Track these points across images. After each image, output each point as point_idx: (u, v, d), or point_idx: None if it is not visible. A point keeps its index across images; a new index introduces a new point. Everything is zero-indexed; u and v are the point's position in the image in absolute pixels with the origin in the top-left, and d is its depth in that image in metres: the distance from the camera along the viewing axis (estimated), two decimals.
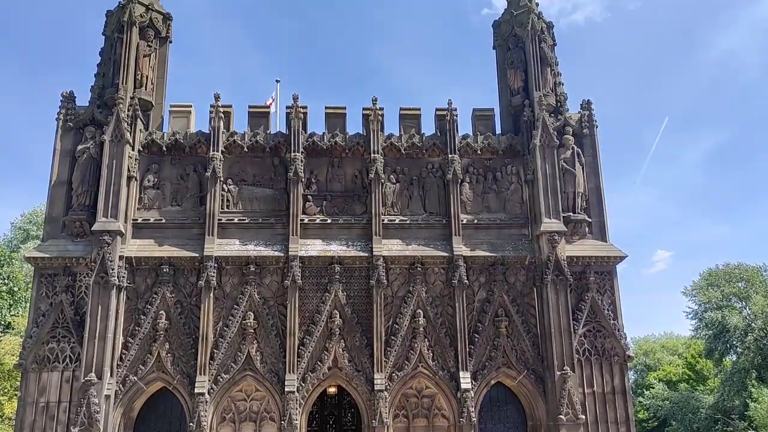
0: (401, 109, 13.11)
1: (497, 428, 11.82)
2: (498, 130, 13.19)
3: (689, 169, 67.92)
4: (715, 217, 67.99)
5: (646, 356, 49.72)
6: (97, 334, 11.08)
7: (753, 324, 36.95)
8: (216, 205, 12.11)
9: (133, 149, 12.15)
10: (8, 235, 30.37)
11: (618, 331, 11.84)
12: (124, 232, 11.72)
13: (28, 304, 21.97)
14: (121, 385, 11.17)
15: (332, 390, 17.13)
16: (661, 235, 69.43)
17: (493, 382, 11.66)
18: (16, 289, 24.88)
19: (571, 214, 12.37)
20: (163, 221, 12.18)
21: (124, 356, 11.31)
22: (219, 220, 12.13)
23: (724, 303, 39.91)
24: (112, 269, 11.32)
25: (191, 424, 10.92)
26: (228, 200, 12.39)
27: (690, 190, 67.33)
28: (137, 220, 12.14)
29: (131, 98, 12.27)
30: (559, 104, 12.92)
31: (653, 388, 41.32)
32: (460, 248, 12.05)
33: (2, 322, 23.76)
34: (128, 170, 11.96)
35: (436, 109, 13.05)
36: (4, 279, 24.81)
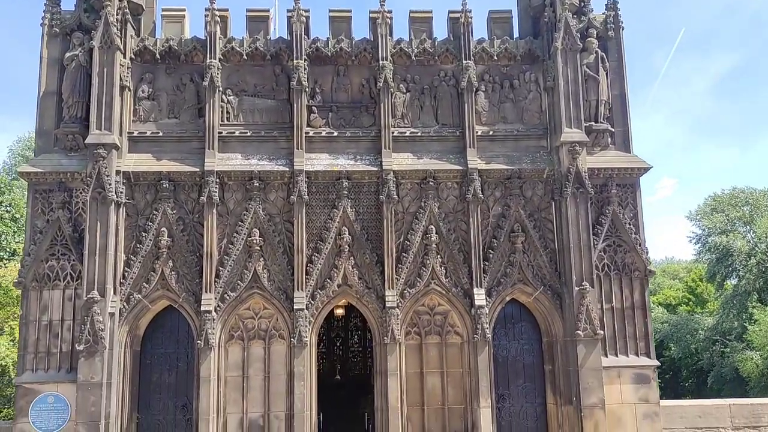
0: (411, 12, 12.16)
1: (511, 345, 11.55)
2: (516, 34, 12.27)
3: (698, 94, 66.40)
4: (722, 142, 67.01)
5: None
6: (97, 251, 10.65)
7: (756, 247, 36.86)
8: (215, 117, 11.41)
9: (124, 57, 11.35)
10: (7, 162, 29.66)
11: (639, 245, 11.38)
12: (119, 145, 11.09)
13: None
14: (125, 303, 10.83)
15: (339, 312, 16.99)
16: (667, 160, 68.65)
17: (508, 298, 11.30)
18: (18, 216, 24.46)
19: (593, 123, 11.67)
20: (161, 134, 11.51)
21: (126, 274, 10.92)
22: (219, 133, 11.46)
23: (729, 227, 39.68)
24: (109, 184, 10.76)
25: (199, 341, 10.65)
26: (228, 112, 11.67)
27: (698, 115, 66.04)
28: (133, 133, 11.47)
29: (120, 0, 11.34)
30: (582, 4, 11.95)
31: (652, 311, 41.83)
32: (475, 161, 11.43)
33: (8, 249, 23.52)
34: (120, 79, 11.20)
35: (449, 12, 12.10)
36: (6, 206, 24.36)
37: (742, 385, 31.78)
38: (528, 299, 11.33)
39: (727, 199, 40.04)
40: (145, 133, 11.50)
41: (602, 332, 10.85)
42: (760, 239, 36.66)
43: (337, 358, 18.71)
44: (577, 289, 10.85)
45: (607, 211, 11.41)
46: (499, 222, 11.41)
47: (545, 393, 11.37)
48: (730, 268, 38.34)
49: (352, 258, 11.15)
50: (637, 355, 11.19)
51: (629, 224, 11.45)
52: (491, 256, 11.23)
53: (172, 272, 10.96)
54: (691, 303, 44.33)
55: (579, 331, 10.67)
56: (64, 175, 11.11)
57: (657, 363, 11.23)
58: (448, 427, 11.01)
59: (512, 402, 11.34)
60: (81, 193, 11.03)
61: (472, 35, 11.80)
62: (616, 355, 11.16)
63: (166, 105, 11.65)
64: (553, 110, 11.65)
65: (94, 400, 10.21)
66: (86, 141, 10.95)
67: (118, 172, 11.01)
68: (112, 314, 10.60)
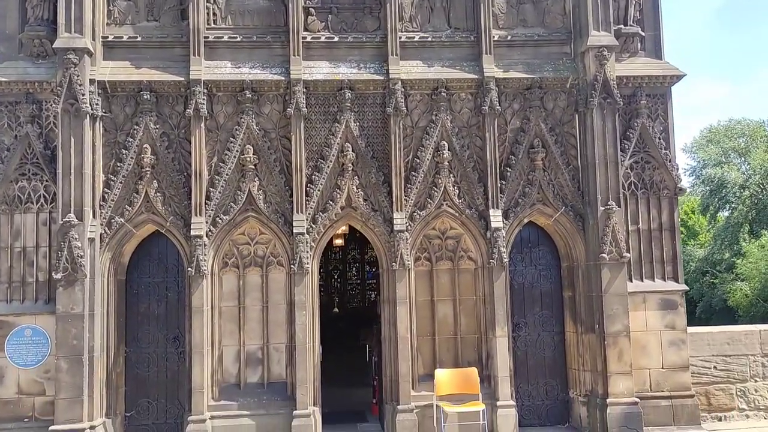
0: None
1: (528, 271, 10.73)
2: None
3: (694, 26, 64.61)
4: (718, 74, 65.74)
5: None
6: (72, 171, 9.54)
7: (750, 179, 36.56)
8: (200, 19, 10.10)
9: None
10: None
11: (669, 161, 10.45)
12: (92, 50, 9.82)
13: None
14: (106, 228, 9.80)
15: (338, 242, 16.11)
16: None
17: (526, 220, 10.39)
18: None
19: (621, 26, 10.51)
20: (139, 39, 10.22)
21: (106, 196, 9.85)
22: (206, 38, 10.19)
23: (724, 159, 39.22)
24: (83, 94, 9.55)
25: (190, 269, 9.70)
26: (214, 14, 10.36)
27: (694, 46, 64.44)
28: (108, 37, 10.17)
29: None
30: None
31: None
32: (492, 69, 10.28)
33: None
34: None
35: None
36: None
37: (730, 315, 32.04)
38: (547, 221, 10.44)
39: (723, 130, 39.55)
40: (122, 37, 10.20)
41: (629, 255, 10.03)
42: (754, 171, 36.30)
43: (335, 290, 18.17)
44: (602, 209, 9.96)
45: (635, 125, 10.42)
46: (517, 137, 10.38)
47: (564, 321, 10.65)
48: (724, 200, 38.10)
49: (356, 177, 10.13)
50: (664, 280, 10.41)
51: (659, 138, 10.48)
52: (508, 174, 10.26)
53: (158, 194, 9.90)
54: (683, 235, 44.24)
55: (604, 254, 9.84)
56: (32, 85, 9.90)
57: (685, 287, 10.49)
58: (461, 358, 10.28)
59: (528, 331, 10.61)
60: (51, 105, 9.83)
61: None
62: (642, 280, 10.38)
63: (143, 6, 10.30)
64: (579, 12, 10.45)
65: (75, 332, 9.30)
66: (54, 45, 9.70)
67: (92, 82, 9.79)
68: (91, 240, 9.59)
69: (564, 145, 10.42)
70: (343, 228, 13.19)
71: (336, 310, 17.51)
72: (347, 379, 13.51)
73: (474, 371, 9.86)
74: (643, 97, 10.45)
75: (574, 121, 10.47)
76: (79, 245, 9.38)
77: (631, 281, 10.25)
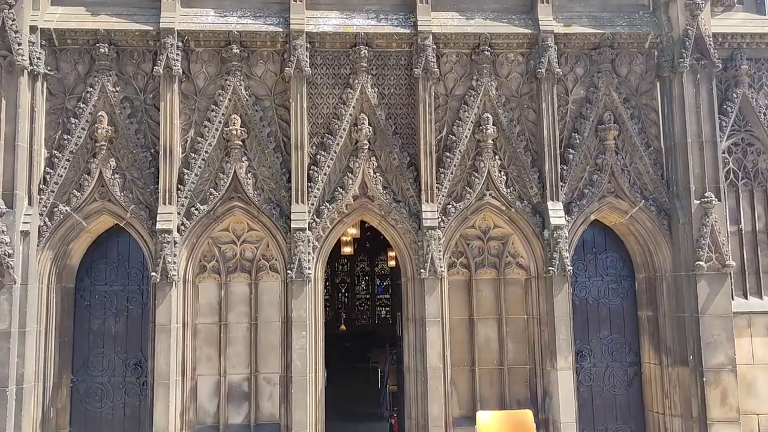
0: None
1: (591, 284, 8.37)
2: None
3: None
4: None
5: None
6: (2, 142, 7.27)
7: None
8: None
9: None
10: None
11: None
12: None
13: None
14: (47, 219, 7.51)
15: (347, 250, 13.75)
16: None
17: (593, 217, 8.05)
18: None
19: None
20: None
21: (48, 177, 7.56)
22: None
23: None
24: (19, 44, 7.32)
25: (154, 273, 7.37)
26: None
27: None
28: None
29: None
30: None
31: None
32: (549, 22, 8.01)
33: None
34: None
35: None
36: None
37: None
38: (620, 219, 8.09)
39: None
40: None
41: (733, 263, 7.67)
42: None
43: (342, 306, 16.06)
44: (697, 202, 7.63)
45: (733, 96, 8.13)
46: (581, 109, 8.07)
47: (640, 349, 8.26)
48: None
49: (373, 158, 7.82)
50: None
51: (764, 114, 8.19)
52: (571, 157, 7.93)
53: (116, 175, 7.61)
54: None
55: (701, 262, 7.48)
56: None
57: None
58: (508, 396, 7.90)
59: (593, 361, 8.22)
60: None
61: None
62: (745, 297, 8.06)
63: None
64: None
65: None
66: None
67: (33, 30, 7.58)
68: (25, 233, 7.29)
69: (642, 121, 8.10)
70: (353, 231, 10.93)
71: (343, 327, 15.33)
72: (356, 411, 11.29)
73: (528, 415, 7.45)
74: (743, 61, 8.18)
75: (654, 91, 8.16)
76: (7, 240, 7.10)
77: (732, 299, 7.88)
